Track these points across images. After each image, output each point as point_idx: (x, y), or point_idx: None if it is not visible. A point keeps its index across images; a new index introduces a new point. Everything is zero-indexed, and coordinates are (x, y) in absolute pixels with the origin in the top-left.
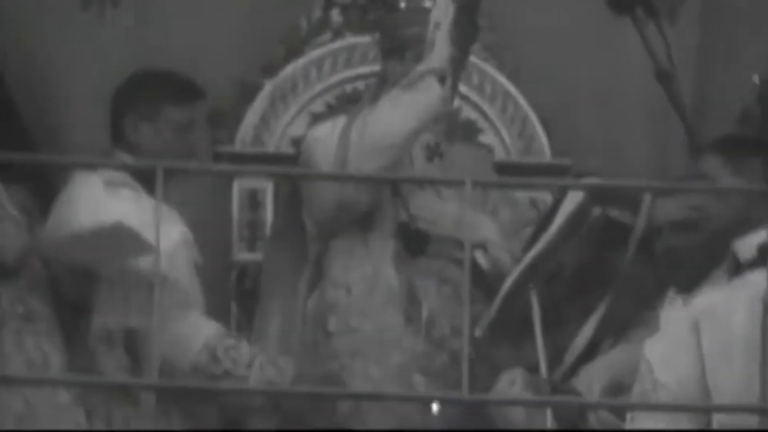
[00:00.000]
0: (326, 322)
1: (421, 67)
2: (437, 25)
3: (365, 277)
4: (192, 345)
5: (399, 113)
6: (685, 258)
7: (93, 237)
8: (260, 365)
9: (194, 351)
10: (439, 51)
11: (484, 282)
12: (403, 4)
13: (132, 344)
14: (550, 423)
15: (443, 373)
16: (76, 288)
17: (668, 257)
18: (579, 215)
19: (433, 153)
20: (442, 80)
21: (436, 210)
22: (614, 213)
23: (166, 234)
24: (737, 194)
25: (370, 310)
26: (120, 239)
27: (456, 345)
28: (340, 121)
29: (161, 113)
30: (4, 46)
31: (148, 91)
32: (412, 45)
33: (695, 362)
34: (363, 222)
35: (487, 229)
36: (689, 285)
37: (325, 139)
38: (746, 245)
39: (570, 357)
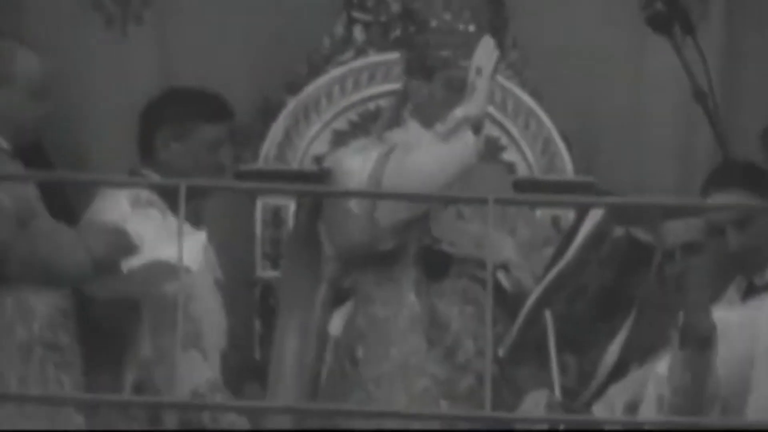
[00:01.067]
0: (355, 350)
1: (459, 113)
2: (479, 71)
3: (389, 304)
4: (183, 386)
5: (433, 166)
6: (697, 279)
7: (137, 274)
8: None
9: (182, 394)
10: (478, 98)
11: (507, 302)
12: (434, 23)
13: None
14: None
15: (469, 397)
16: (114, 319)
17: (681, 279)
18: (599, 234)
19: None
20: (477, 129)
21: (457, 231)
22: (638, 233)
23: (189, 252)
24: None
25: (395, 337)
26: (160, 272)
27: (481, 366)
28: (371, 155)
29: (193, 132)
30: None
31: (180, 110)
32: (441, 68)
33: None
34: (387, 251)
35: (508, 249)
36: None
37: (355, 176)
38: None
39: (599, 378)
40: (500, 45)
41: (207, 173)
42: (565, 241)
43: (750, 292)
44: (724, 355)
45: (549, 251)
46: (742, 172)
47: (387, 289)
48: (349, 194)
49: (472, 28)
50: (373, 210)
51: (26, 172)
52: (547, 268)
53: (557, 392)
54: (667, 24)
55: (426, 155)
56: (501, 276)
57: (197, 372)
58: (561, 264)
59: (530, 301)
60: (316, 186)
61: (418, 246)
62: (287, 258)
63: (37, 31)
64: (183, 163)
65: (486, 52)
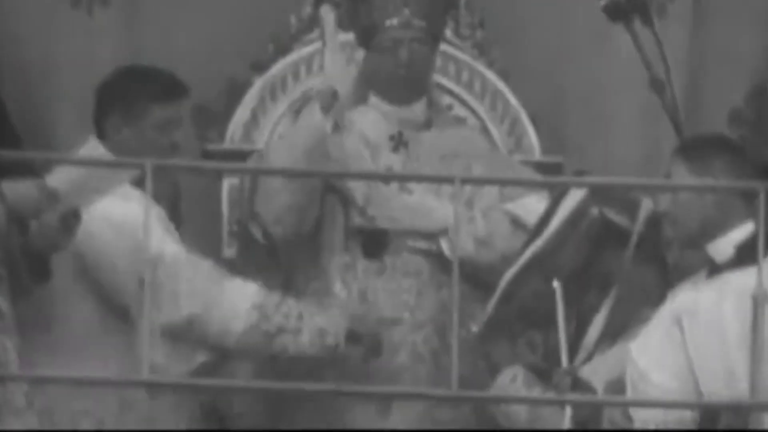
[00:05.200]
0: None
1: (315, 87)
2: (324, 43)
3: (317, 295)
4: (239, 309)
5: (283, 145)
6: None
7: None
8: (311, 316)
9: (242, 314)
10: (327, 69)
11: (450, 269)
12: None
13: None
14: (567, 421)
15: (398, 377)
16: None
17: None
18: (579, 213)
19: (397, 143)
20: (326, 105)
21: (396, 205)
22: (612, 215)
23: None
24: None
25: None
26: None
27: (417, 338)
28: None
29: (145, 113)
30: None
31: (132, 90)
32: (373, 34)
33: (683, 356)
34: (313, 238)
35: (448, 215)
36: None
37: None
38: (721, 247)
39: (580, 357)
40: (453, 6)
41: (161, 153)
42: (543, 220)
43: (713, 271)
44: (694, 336)
45: (530, 201)
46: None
47: (315, 280)
48: (319, 173)
49: None
50: (254, 191)
51: None
52: (525, 245)
53: (564, 361)
54: (623, 14)
55: (278, 137)
56: (443, 243)
57: (245, 288)
58: (539, 242)
59: (507, 278)
60: (280, 166)
61: (347, 229)
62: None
63: (2, 10)
64: (135, 144)
65: (327, 22)
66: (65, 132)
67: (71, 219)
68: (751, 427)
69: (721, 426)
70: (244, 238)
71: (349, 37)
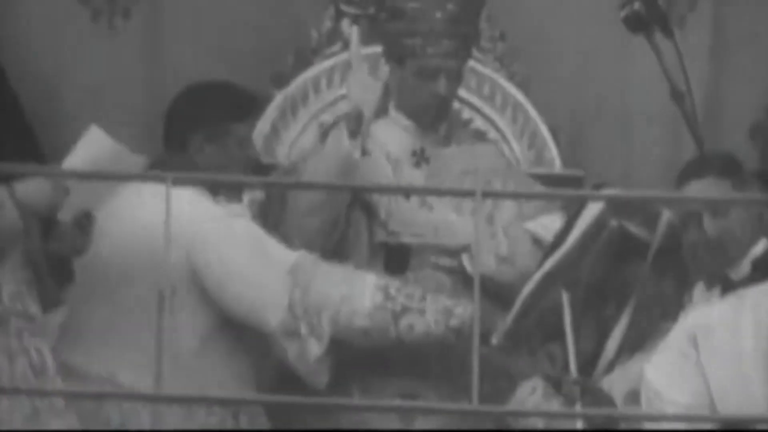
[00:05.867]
0: None
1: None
2: (349, 58)
3: None
4: (363, 292)
5: (313, 168)
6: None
7: None
8: (435, 297)
9: (367, 295)
10: (353, 90)
11: (470, 285)
12: (408, 10)
13: None
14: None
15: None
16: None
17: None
18: (598, 225)
19: (419, 159)
20: (354, 130)
21: (419, 220)
22: (631, 227)
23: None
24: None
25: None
26: None
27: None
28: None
29: (226, 132)
30: (14, 59)
31: (214, 109)
32: (411, 56)
33: (699, 374)
34: (339, 251)
35: (471, 232)
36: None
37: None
38: (739, 263)
39: (599, 370)
40: (474, 30)
41: (240, 167)
42: (562, 232)
43: (727, 287)
44: (709, 353)
45: (550, 220)
46: (718, 161)
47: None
48: (336, 187)
49: (439, 14)
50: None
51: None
52: (544, 258)
53: (573, 372)
54: (644, 24)
55: (310, 160)
56: (465, 259)
57: (364, 274)
58: (559, 254)
59: (527, 290)
60: (302, 180)
61: (371, 243)
62: None
63: (23, 25)
64: (218, 162)
65: (353, 42)
66: None
67: (84, 220)
68: None
69: None
70: None
71: (373, 50)
